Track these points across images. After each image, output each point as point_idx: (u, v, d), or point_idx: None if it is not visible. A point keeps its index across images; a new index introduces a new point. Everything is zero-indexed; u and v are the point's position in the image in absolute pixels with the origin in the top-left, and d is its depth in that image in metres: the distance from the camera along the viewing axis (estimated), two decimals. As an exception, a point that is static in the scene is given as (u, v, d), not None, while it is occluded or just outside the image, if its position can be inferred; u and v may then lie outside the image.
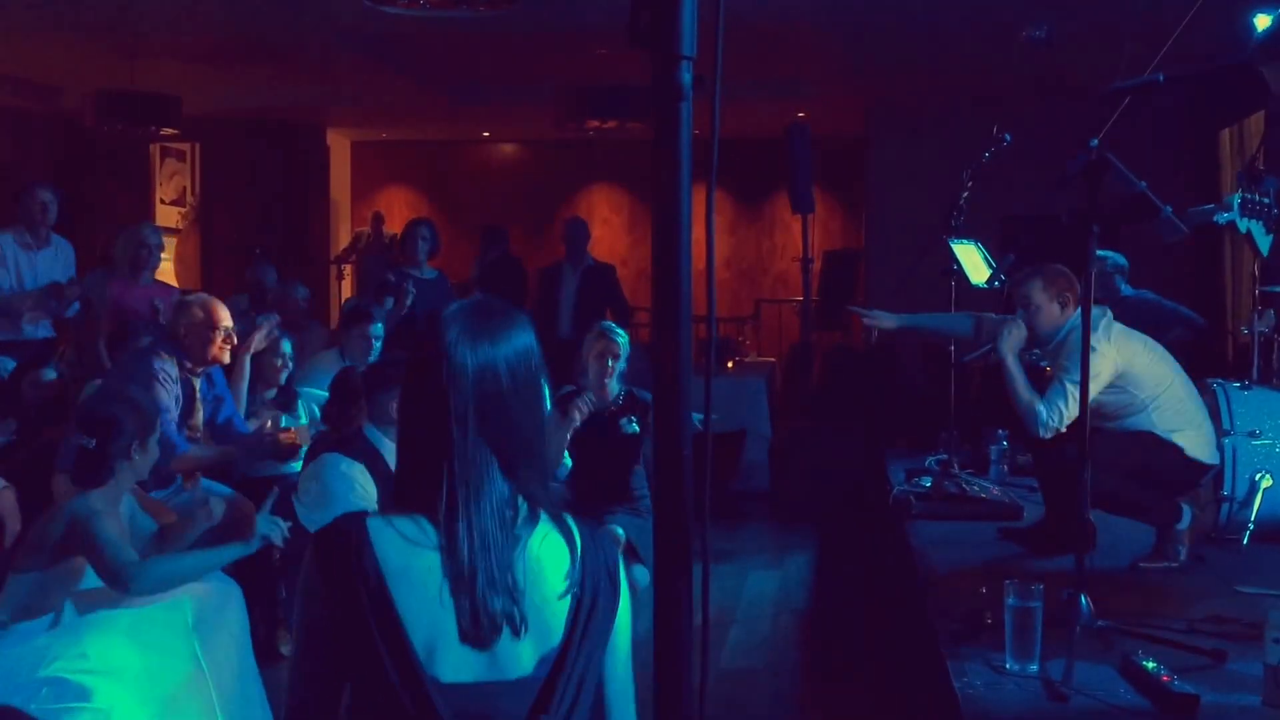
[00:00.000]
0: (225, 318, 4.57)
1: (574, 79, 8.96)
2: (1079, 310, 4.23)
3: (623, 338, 4.77)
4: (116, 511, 3.30)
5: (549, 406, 1.69)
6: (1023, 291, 4.44)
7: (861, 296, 10.02)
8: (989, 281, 5.85)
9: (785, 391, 9.70)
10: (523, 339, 1.64)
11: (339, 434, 4.27)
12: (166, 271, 9.15)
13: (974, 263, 5.94)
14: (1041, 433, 4.21)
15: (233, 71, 9.52)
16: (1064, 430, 4.18)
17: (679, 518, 1.50)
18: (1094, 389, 3.84)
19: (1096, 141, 3.08)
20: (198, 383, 4.62)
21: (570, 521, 1.63)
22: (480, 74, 9.70)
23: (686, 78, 1.45)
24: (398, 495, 1.62)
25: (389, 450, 3.64)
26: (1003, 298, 6.06)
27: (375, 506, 3.51)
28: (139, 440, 3.32)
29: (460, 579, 1.53)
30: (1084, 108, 4.29)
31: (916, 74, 9.27)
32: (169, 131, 10.25)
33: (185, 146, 12.21)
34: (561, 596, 1.58)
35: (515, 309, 1.69)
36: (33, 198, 6.43)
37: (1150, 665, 3.05)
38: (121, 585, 3.11)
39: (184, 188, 12.45)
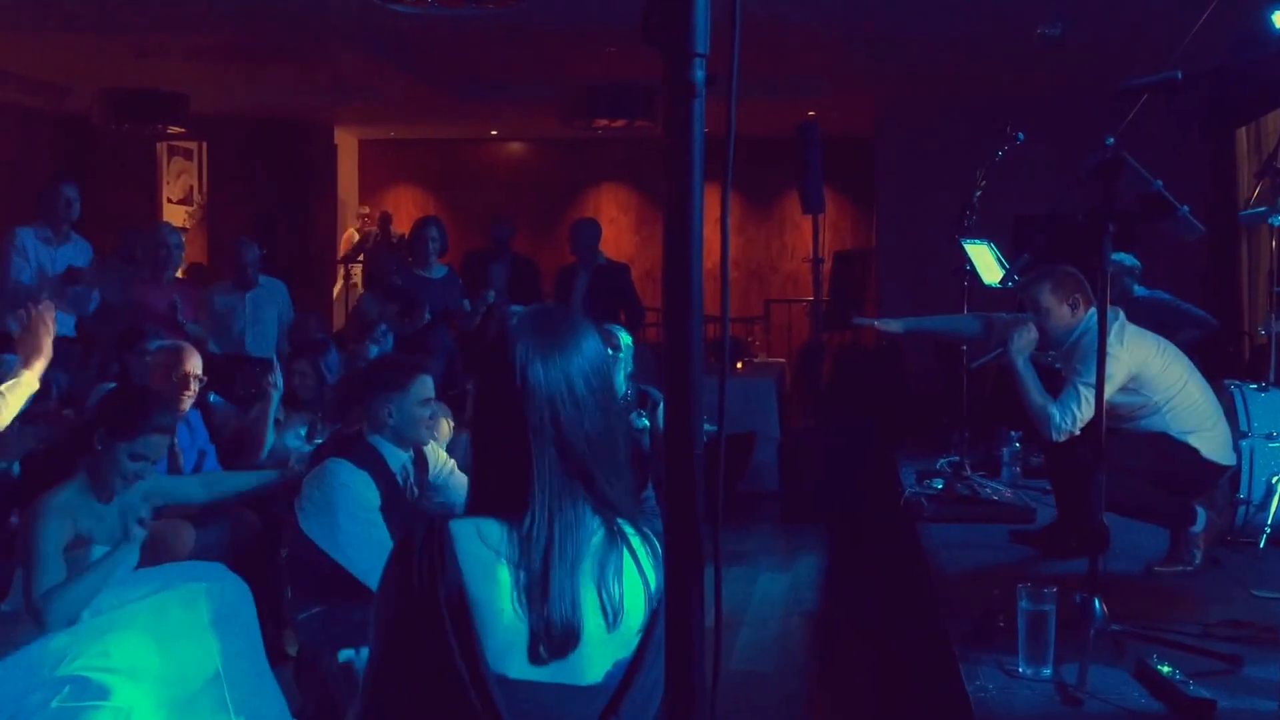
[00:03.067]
0: (195, 366, 4.51)
1: (582, 77, 8.97)
2: (1091, 312, 4.23)
3: (620, 333, 4.77)
4: (88, 511, 3.29)
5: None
6: (1032, 294, 4.43)
7: (873, 297, 10.01)
8: (1002, 281, 5.84)
9: (795, 392, 9.69)
10: (591, 346, 1.67)
11: (342, 439, 4.26)
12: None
13: (986, 262, 5.93)
14: (1054, 436, 4.20)
15: (240, 70, 9.54)
16: (1077, 433, 4.17)
17: (690, 520, 1.49)
18: (1107, 391, 3.83)
19: (1113, 140, 3.06)
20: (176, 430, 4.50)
21: (651, 534, 1.67)
22: (488, 72, 9.71)
23: (700, 75, 1.44)
24: (481, 498, 1.66)
25: (391, 456, 3.63)
26: (1016, 298, 6.05)
27: (377, 515, 3.51)
28: (108, 439, 3.31)
29: (533, 589, 1.58)
30: (1098, 105, 4.28)
31: (928, 72, 9.26)
32: (176, 130, 10.29)
33: (192, 145, 12.24)
34: (638, 608, 1.62)
35: (577, 315, 1.74)
36: (56, 194, 6.48)
37: (1165, 670, 3.04)
38: (34, 614, 3.10)
39: (191, 187, 12.48)
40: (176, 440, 4.51)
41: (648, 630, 1.62)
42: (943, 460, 6.14)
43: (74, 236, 6.56)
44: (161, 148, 11.97)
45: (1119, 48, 7.58)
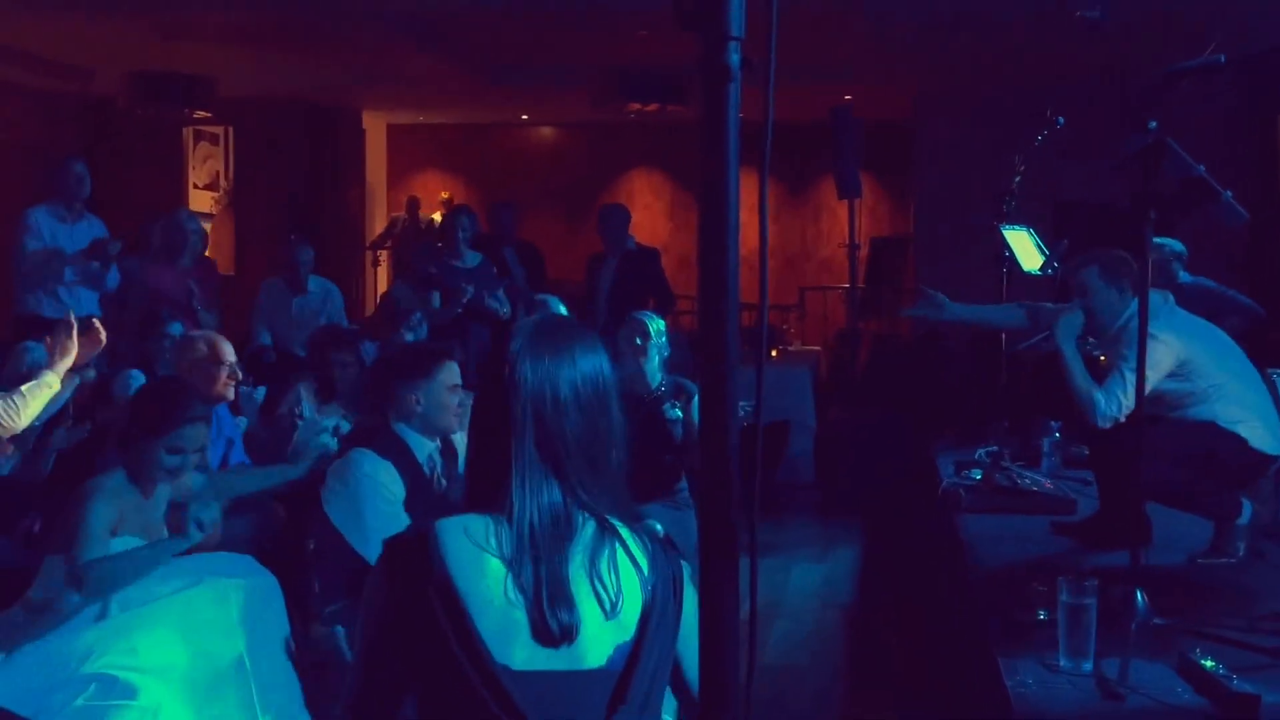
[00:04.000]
0: (229, 353, 4.54)
1: (614, 61, 8.97)
2: (1137, 296, 4.20)
3: (654, 321, 4.76)
4: (130, 502, 3.33)
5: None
6: (1080, 278, 4.40)
7: (910, 284, 9.98)
8: (1042, 269, 5.82)
9: (831, 380, 9.67)
10: (588, 360, 1.77)
11: (369, 428, 4.27)
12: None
13: (1026, 249, 5.91)
14: (1100, 422, 4.18)
15: (268, 52, 9.59)
16: (1123, 419, 4.16)
17: (725, 511, 1.50)
18: (1154, 378, 3.81)
19: (1155, 124, 3.04)
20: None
21: (641, 532, 1.77)
22: (519, 55, 9.73)
23: (735, 59, 1.45)
24: (470, 494, 1.77)
25: (418, 445, 3.65)
26: (1056, 285, 6.02)
27: (401, 507, 3.53)
28: (144, 436, 3.34)
29: (522, 580, 1.67)
30: (1139, 89, 4.25)
31: (967, 55, 9.20)
32: (202, 114, 10.37)
33: (219, 129, 12.32)
34: (634, 595, 1.71)
35: (586, 329, 1.83)
36: (68, 171, 6.54)
37: (1209, 664, 3.03)
38: (72, 580, 3.15)
39: (217, 171, 12.56)
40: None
41: (645, 616, 1.70)
42: (981, 450, 6.11)
43: (87, 215, 6.63)
44: (188, 132, 12.06)
45: (1159, 31, 7.51)
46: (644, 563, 1.73)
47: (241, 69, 9.95)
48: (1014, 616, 3.55)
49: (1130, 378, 4.03)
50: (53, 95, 10.85)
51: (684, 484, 4.73)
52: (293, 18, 8.53)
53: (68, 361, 4.02)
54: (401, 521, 3.41)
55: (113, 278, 6.54)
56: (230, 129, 12.26)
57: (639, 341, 4.67)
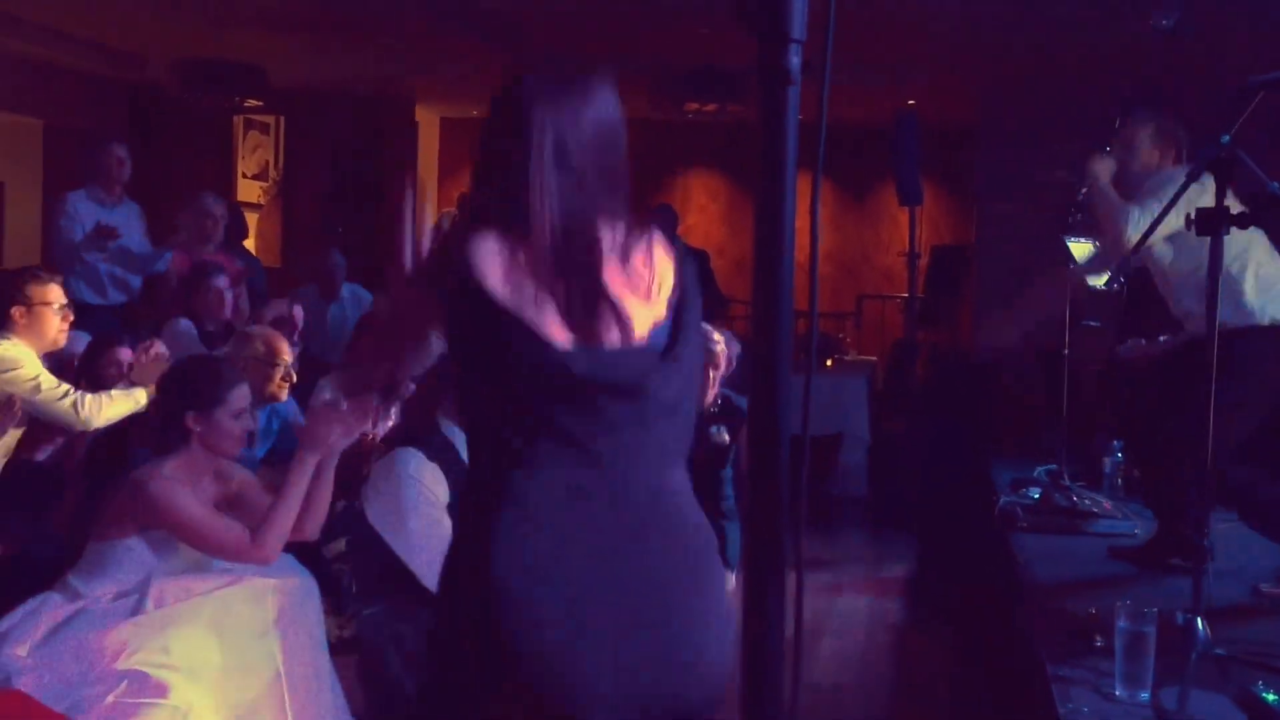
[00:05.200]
0: (286, 352, 4.57)
1: (673, 58, 8.97)
2: (1177, 168, 4.24)
3: (720, 345, 4.69)
4: (197, 485, 3.37)
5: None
6: (1129, 129, 4.40)
7: (970, 294, 9.90)
8: (1108, 284, 5.74)
9: (887, 391, 9.62)
10: (602, 93, 2.03)
11: (416, 426, 4.28)
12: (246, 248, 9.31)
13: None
14: (1130, 234, 4.16)
15: (320, 41, 9.68)
16: (1133, 244, 4.14)
17: (773, 525, 1.50)
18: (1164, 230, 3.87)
19: (1229, 137, 3.01)
20: (258, 415, 4.55)
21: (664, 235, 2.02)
22: (576, 50, 9.75)
23: (795, 62, 1.44)
24: (488, 215, 1.93)
25: (462, 444, 3.63)
26: (1121, 298, 5.96)
27: (445, 512, 3.53)
28: (200, 409, 3.34)
29: (550, 273, 1.85)
30: (1212, 101, 4.20)
31: (1035, 60, 9.12)
32: (253, 103, 10.48)
33: (269, 119, 12.45)
34: (667, 280, 1.96)
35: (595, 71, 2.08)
36: (109, 153, 6.57)
37: (1271, 698, 2.99)
38: (253, 556, 3.21)
39: (267, 162, 12.70)
40: (257, 425, 4.56)
41: (679, 298, 1.94)
42: (1040, 468, 6.07)
43: (127, 199, 6.67)
44: (238, 121, 12.19)
45: (1234, 42, 7.41)
46: (673, 253, 1.98)
47: (293, 58, 10.04)
48: (1070, 642, 3.52)
49: (1155, 205, 4.01)
50: (104, 81, 11.01)
51: (730, 493, 4.71)
52: (346, 5, 8.61)
53: (150, 391, 4.15)
54: (444, 527, 3.40)
55: (163, 260, 6.58)
56: (280, 118, 12.38)
57: (710, 374, 4.62)
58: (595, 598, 1.80)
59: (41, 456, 4.29)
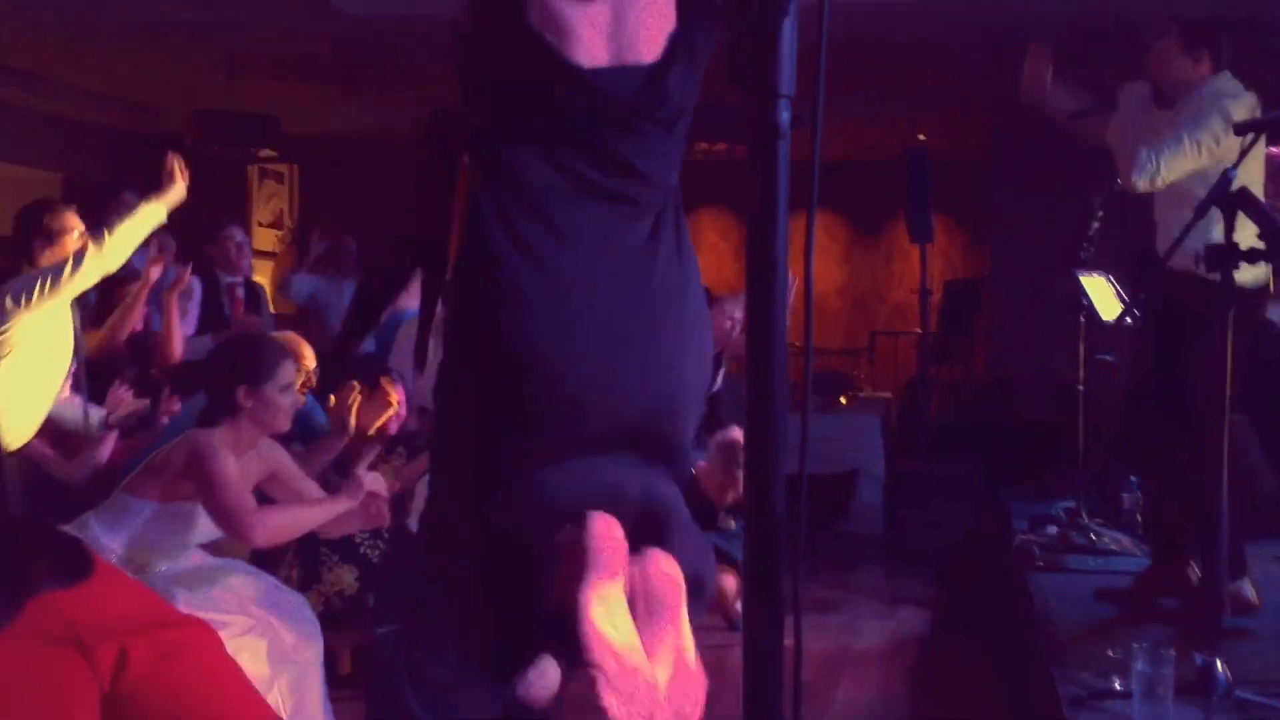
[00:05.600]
0: (309, 357, 4.62)
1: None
2: (1220, 76, 4.08)
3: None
4: (241, 458, 3.40)
5: None
6: (1157, 43, 4.21)
7: (984, 329, 9.88)
8: (1120, 317, 5.72)
9: (902, 428, 9.58)
10: None
11: None
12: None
13: (1106, 298, 5.82)
14: (1135, 179, 3.95)
15: (333, 91, 9.76)
16: (1154, 184, 3.94)
17: (770, 573, 1.49)
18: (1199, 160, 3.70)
19: (1234, 172, 3.00)
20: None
21: None
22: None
23: (785, 116, 1.46)
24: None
25: None
26: (1138, 332, 5.92)
27: None
28: (251, 383, 3.39)
29: None
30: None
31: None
32: (267, 153, 10.56)
33: (283, 168, 12.54)
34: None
35: None
36: (120, 202, 6.66)
37: (1294, 741, 2.95)
38: (238, 528, 3.23)
39: (281, 210, 12.78)
40: None
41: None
42: (1058, 505, 6.03)
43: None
44: (252, 170, 12.29)
45: (1247, 71, 7.41)
46: None
47: (306, 107, 10.12)
48: (1087, 684, 3.49)
49: (1188, 145, 3.83)
50: (120, 133, 11.13)
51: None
52: (357, 57, 8.68)
53: (173, 198, 4.37)
54: None
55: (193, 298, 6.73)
56: (294, 167, 12.47)
57: None
58: (590, 302, 1.87)
59: None
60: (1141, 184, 3.98)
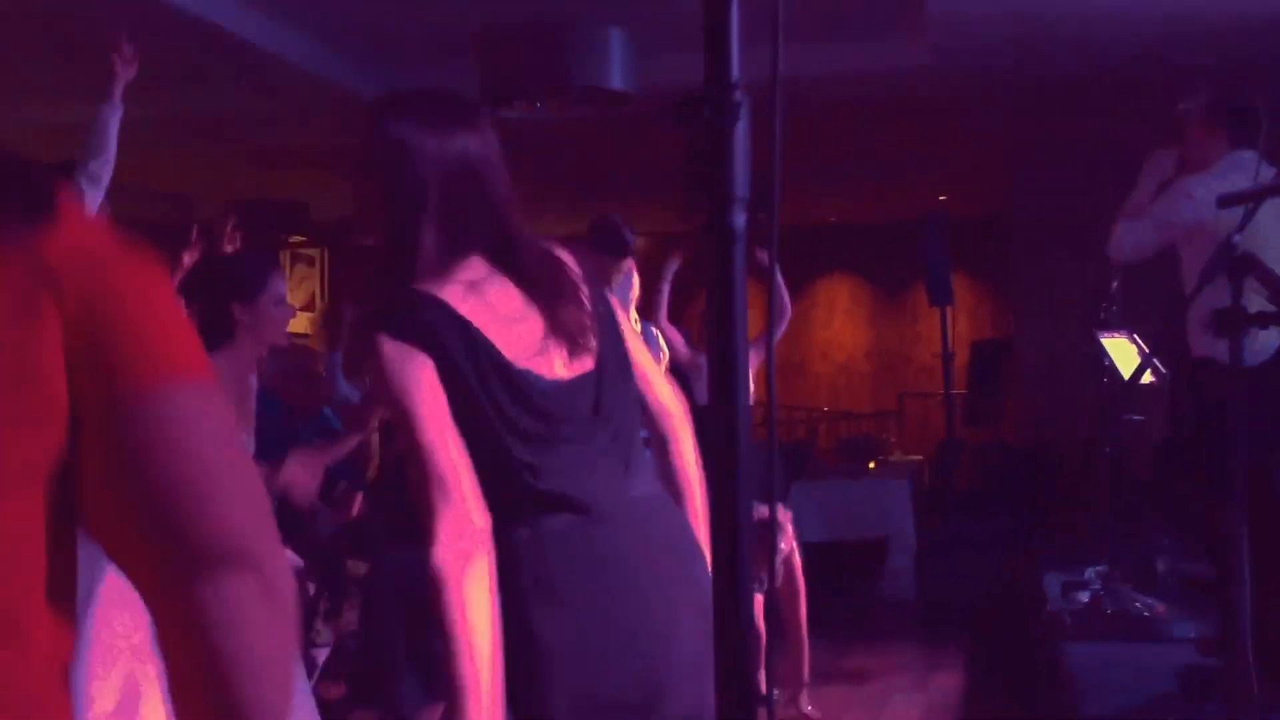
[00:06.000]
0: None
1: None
2: (1230, 156, 4.00)
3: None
4: (240, 384, 3.38)
5: None
6: (1184, 110, 4.18)
7: (1011, 388, 9.78)
8: (1137, 371, 5.63)
9: (933, 492, 9.48)
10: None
11: None
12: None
13: (1129, 357, 5.75)
14: (1107, 250, 4.11)
15: (359, 176, 9.88)
16: (1119, 256, 4.07)
17: (739, 658, 1.45)
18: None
19: (1240, 237, 2.96)
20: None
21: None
22: (613, 169, 9.87)
23: (740, 219, 1.45)
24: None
25: None
26: (1167, 393, 5.84)
27: None
28: (244, 298, 3.35)
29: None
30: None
31: (1063, 147, 9.13)
32: (297, 238, 10.70)
33: (314, 252, 12.69)
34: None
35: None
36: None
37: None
38: None
39: (313, 293, 12.91)
40: None
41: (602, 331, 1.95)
42: (1091, 570, 5.91)
43: None
44: (284, 255, 12.45)
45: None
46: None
47: (335, 192, 10.25)
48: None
49: (1150, 226, 3.93)
50: (156, 225, 11.29)
51: None
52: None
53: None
54: None
55: None
56: (325, 251, 12.61)
57: None
58: (604, 607, 1.86)
59: None
60: (1114, 256, 4.12)
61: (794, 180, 9.71)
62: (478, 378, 1.83)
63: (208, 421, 0.98)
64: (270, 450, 4.23)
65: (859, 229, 12.40)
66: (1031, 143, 9.15)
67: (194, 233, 5.52)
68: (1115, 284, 5.72)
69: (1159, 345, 5.72)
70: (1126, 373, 5.66)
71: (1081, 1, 6.01)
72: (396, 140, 1.94)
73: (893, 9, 6.41)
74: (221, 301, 3.37)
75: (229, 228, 5.13)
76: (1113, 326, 5.73)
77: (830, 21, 6.62)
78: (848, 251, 12.81)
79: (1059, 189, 9.86)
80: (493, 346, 1.85)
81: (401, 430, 1.85)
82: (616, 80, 5.67)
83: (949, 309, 7.45)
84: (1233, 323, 3.05)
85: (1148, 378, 5.53)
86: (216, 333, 3.34)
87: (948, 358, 7.59)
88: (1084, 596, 5.50)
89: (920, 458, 10.09)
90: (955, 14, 6.09)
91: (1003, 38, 6.49)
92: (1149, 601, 5.36)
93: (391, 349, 1.82)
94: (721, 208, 1.45)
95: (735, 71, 1.48)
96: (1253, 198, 3.01)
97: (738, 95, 1.46)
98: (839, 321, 13.12)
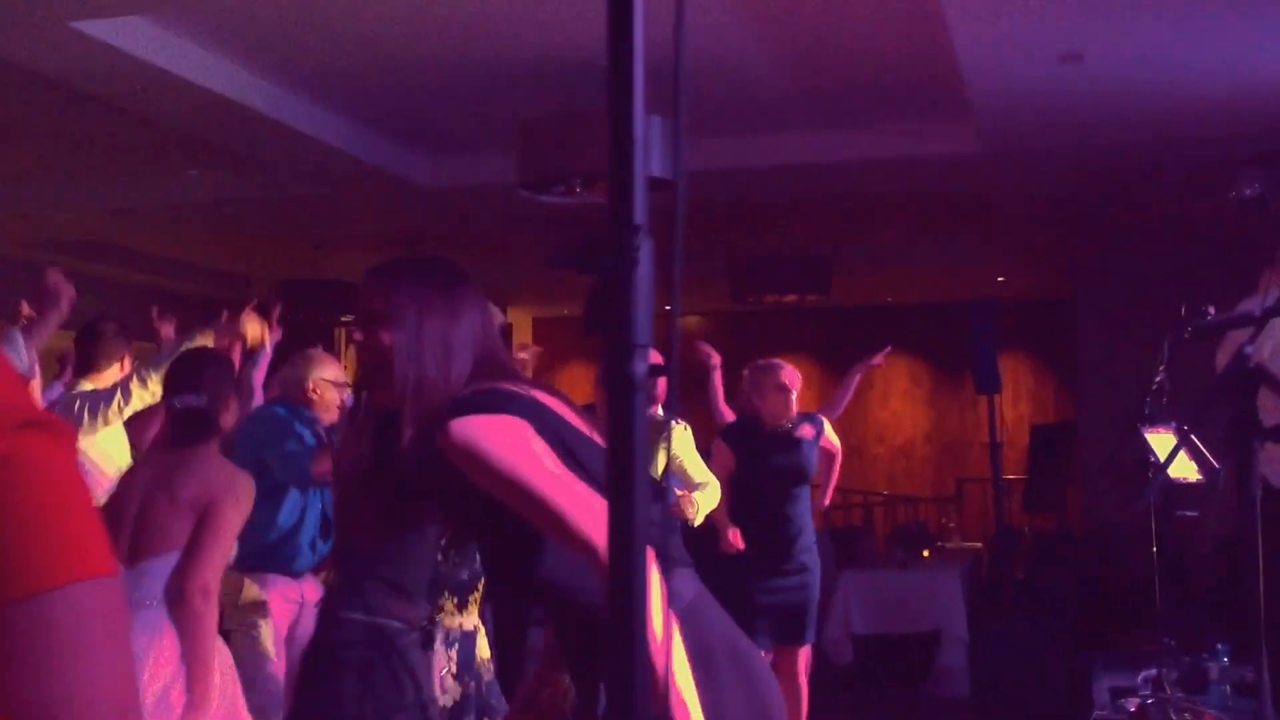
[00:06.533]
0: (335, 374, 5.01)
1: (745, 250, 9.07)
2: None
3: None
4: None
5: None
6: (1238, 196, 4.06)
7: (1074, 475, 9.58)
8: (1170, 459, 5.45)
9: (990, 583, 9.27)
10: None
11: None
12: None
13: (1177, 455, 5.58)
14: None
15: (416, 257, 10.03)
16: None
17: None
18: None
19: (1252, 349, 2.87)
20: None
21: None
22: (659, 249, 9.90)
23: (641, 367, 1.44)
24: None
25: None
26: (1216, 492, 5.66)
27: None
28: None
29: None
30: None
31: (1126, 228, 9.02)
32: (350, 317, 10.84)
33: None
34: None
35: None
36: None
37: None
38: None
39: (368, 370, 13.05)
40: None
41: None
42: (1143, 674, 5.71)
43: None
44: (339, 333, 12.62)
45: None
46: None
47: (388, 272, 10.43)
48: None
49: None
50: (213, 302, 11.53)
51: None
52: (432, 222, 8.93)
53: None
54: None
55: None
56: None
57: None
58: None
59: None
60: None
61: (849, 261, 9.67)
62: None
63: (89, 628, 0.89)
64: None
65: (918, 309, 12.30)
66: (1092, 223, 9.05)
67: (224, 316, 5.71)
68: (1159, 377, 5.56)
69: (1204, 441, 5.56)
70: (1173, 470, 5.49)
71: (1130, 80, 5.88)
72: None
73: (935, 96, 6.39)
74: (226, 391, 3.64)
75: (277, 311, 5.31)
76: (1158, 420, 5.57)
77: (875, 106, 6.62)
78: (905, 332, 12.74)
79: (1123, 271, 9.73)
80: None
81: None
82: (656, 167, 5.72)
83: (997, 396, 7.31)
84: (1245, 433, 2.97)
85: (1194, 474, 5.38)
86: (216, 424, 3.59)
87: (995, 447, 7.44)
88: (1130, 705, 5.32)
89: (979, 545, 9.89)
90: (996, 100, 6.05)
91: (1049, 121, 6.42)
92: (1198, 710, 5.16)
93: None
94: (622, 356, 1.44)
95: (639, 217, 1.47)
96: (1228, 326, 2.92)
97: (638, 242, 1.46)
98: (897, 402, 12.97)
